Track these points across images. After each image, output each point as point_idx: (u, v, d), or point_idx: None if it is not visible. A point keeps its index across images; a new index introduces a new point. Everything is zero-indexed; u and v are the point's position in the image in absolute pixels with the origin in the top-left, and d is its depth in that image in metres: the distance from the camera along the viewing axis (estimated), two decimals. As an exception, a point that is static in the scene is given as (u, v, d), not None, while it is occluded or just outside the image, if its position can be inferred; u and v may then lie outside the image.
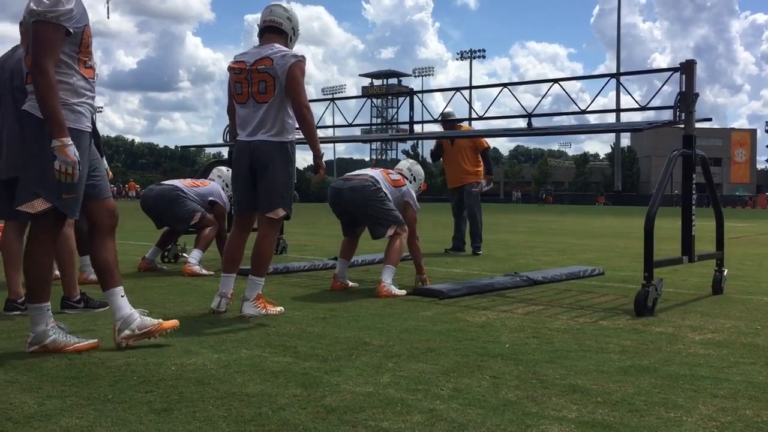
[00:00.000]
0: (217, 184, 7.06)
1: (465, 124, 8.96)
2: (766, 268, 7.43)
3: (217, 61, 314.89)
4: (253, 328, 3.79)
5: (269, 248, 4.24)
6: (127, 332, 3.23)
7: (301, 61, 4.11)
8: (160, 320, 3.35)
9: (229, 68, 4.28)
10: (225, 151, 8.22)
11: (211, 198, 6.83)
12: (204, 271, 6.21)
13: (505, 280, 5.60)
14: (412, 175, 5.84)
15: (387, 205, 5.22)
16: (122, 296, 3.31)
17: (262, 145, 4.11)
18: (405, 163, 6.03)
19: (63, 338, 3.20)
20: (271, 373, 2.84)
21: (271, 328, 3.77)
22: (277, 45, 4.18)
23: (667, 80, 5.01)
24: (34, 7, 3.06)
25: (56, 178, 3.08)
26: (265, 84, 4.10)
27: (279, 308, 4.22)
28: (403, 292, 5.08)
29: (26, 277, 3.25)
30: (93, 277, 5.35)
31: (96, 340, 3.31)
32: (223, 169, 7.31)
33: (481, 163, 8.86)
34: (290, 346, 3.35)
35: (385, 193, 5.26)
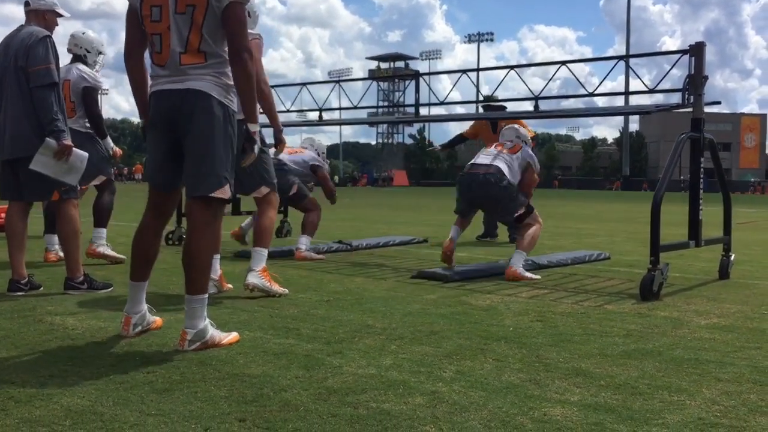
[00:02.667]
0: (310, 151, 6.97)
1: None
2: (774, 253, 7.38)
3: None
4: (256, 311, 3.79)
5: (270, 222, 4.35)
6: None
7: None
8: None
9: None
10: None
11: (313, 163, 6.74)
12: (316, 256, 6.20)
13: (510, 264, 5.56)
14: (519, 137, 5.77)
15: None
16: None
17: None
18: (510, 133, 5.88)
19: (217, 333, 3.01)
20: (273, 354, 2.83)
21: (274, 311, 3.77)
22: None
23: (675, 63, 4.95)
24: None
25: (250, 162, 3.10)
26: None
27: (284, 290, 4.21)
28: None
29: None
30: (59, 255, 5.37)
31: (236, 334, 3.11)
32: (314, 137, 7.34)
33: None
34: (293, 328, 3.35)
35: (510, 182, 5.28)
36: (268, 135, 4.73)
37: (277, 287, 4.21)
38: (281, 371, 2.59)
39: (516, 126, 6.10)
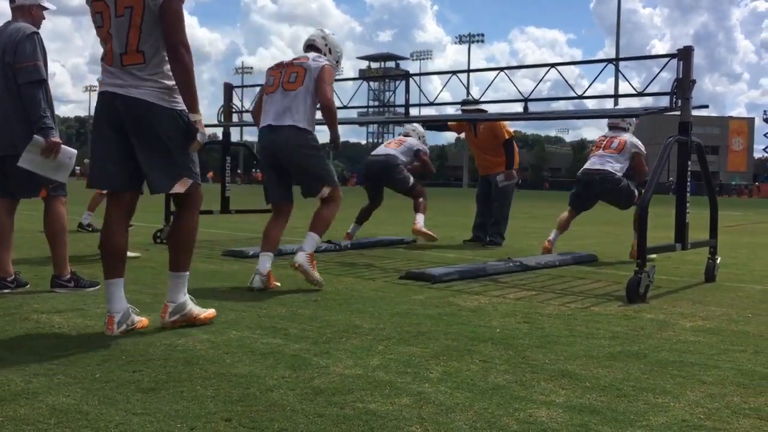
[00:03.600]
0: (413, 137, 7.96)
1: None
2: (759, 256, 7.44)
3: (214, 41, 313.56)
4: (243, 310, 3.78)
5: (331, 215, 4.66)
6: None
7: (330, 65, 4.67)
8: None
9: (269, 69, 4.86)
10: (219, 132, 8.17)
11: (417, 147, 7.82)
12: (431, 232, 7.56)
13: (498, 265, 5.60)
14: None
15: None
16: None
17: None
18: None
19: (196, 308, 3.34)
20: (260, 354, 2.83)
21: (262, 310, 3.77)
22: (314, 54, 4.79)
23: (664, 66, 4.98)
24: None
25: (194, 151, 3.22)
26: (296, 75, 4.61)
27: (321, 280, 4.54)
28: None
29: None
30: None
31: (213, 310, 3.47)
32: (416, 124, 8.05)
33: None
34: (281, 327, 3.34)
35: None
36: (325, 137, 4.94)
37: (317, 276, 4.49)
38: (268, 371, 2.59)
39: (623, 126, 6.86)
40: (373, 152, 8.02)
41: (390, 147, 7.93)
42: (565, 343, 3.16)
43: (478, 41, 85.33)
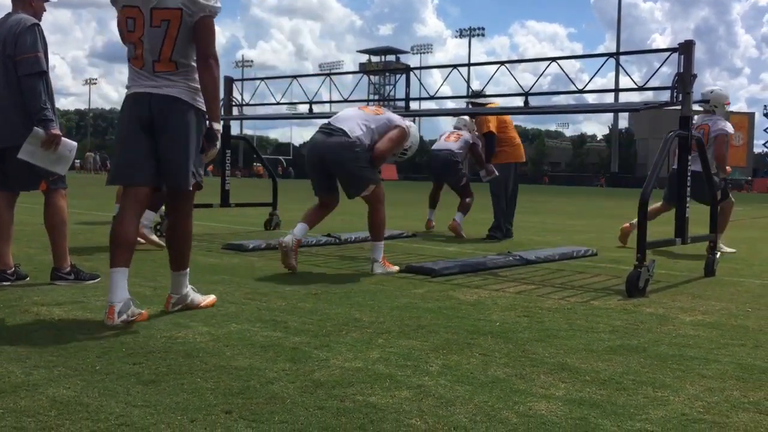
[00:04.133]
0: (465, 132, 8.28)
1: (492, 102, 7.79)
2: (759, 251, 7.45)
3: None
4: (244, 303, 3.79)
5: (383, 217, 5.17)
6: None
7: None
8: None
9: None
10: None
11: (471, 142, 8.15)
12: (463, 233, 7.81)
13: (498, 259, 5.60)
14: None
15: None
16: None
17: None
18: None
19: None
20: (260, 347, 2.83)
21: (262, 303, 3.77)
22: None
23: (665, 60, 4.97)
24: (209, 3, 3.28)
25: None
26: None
27: (396, 268, 5.04)
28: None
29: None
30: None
31: (214, 297, 3.71)
32: (465, 117, 8.30)
33: (503, 145, 7.74)
34: (281, 321, 3.35)
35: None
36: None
37: (395, 269, 5.03)
38: (268, 364, 2.59)
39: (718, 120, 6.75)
40: (435, 146, 8.60)
41: (449, 141, 8.33)
42: (565, 337, 3.16)
43: (478, 35, 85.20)
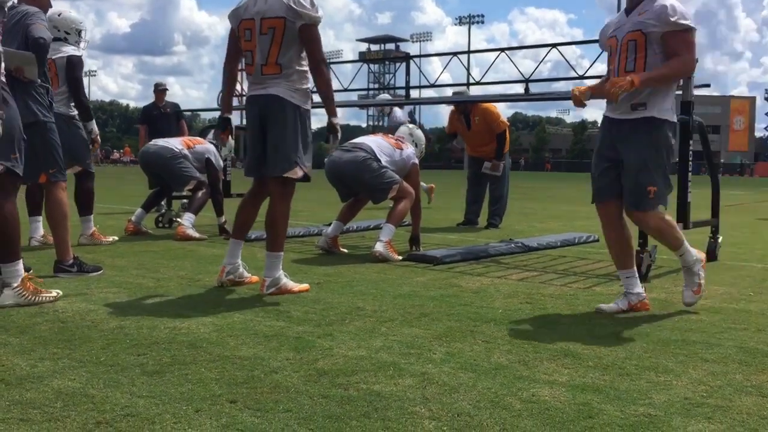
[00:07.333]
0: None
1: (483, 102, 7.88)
2: (761, 235, 7.45)
3: (213, 25, 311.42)
4: (246, 293, 3.80)
5: (406, 209, 5.39)
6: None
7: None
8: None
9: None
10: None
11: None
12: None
13: (500, 247, 5.60)
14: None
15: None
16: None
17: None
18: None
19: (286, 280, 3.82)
20: (264, 336, 2.84)
21: (264, 293, 3.77)
22: None
23: (665, 45, 4.93)
24: (312, 14, 3.70)
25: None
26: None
27: (399, 257, 5.06)
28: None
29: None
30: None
31: (307, 285, 3.93)
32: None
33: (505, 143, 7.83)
34: (284, 310, 3.36)
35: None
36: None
37: (397, 257, 5.03)
38: (272, 353, 2.60)
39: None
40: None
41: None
42: (568, 323, 3.17)
43: (478, 22, 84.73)
